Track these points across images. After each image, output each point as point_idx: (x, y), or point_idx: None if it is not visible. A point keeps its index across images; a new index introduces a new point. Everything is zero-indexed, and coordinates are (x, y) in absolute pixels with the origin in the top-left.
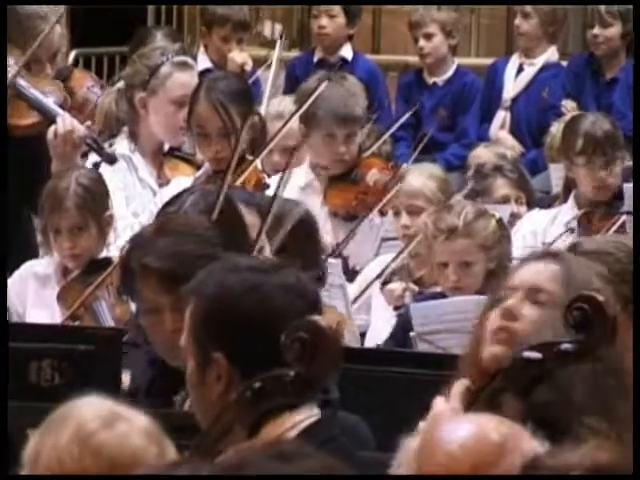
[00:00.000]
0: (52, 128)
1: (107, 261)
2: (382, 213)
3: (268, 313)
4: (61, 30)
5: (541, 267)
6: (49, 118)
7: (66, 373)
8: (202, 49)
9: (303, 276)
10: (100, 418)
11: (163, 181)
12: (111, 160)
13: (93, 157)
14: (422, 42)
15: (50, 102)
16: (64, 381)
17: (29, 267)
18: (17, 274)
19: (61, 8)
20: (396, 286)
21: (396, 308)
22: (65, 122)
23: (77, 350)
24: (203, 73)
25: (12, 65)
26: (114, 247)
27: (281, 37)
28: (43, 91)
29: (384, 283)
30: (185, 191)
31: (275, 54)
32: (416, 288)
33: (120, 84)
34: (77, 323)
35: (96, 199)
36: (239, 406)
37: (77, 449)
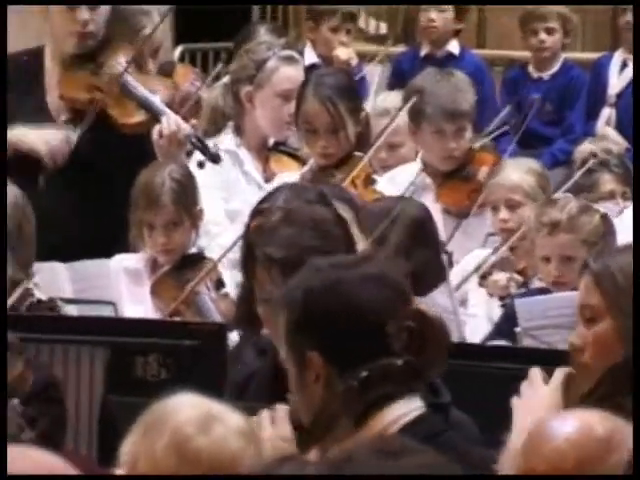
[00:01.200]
0: (157, 127)
1: (198, 256)
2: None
3: (353, 306)
4: (163, 26)
5: None
6: (155, 117)
7: (172, 368)
8: (309, 44)
9: (388, 266)
10: (196, 422)
11: (269, 175)
12: (215, 159)
13: (197, 155)
14: (543, 35)
15: (157, 101)
16: (170, 376)
17: (118, 261)
18: (107, 264)
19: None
20: (500, 276)
21: (501, 298)
22: (170, 121)
23: (182, 345)
24: (309, 69)
25: (122, 63)
26: (213, 245)
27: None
28: (151, 89)
29: (482, 277)
30: (279, 188)
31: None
32: (520, 278)
33: (226, 79)
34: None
35: (189, 194)
36: (346, 396)
37: (175, 457)
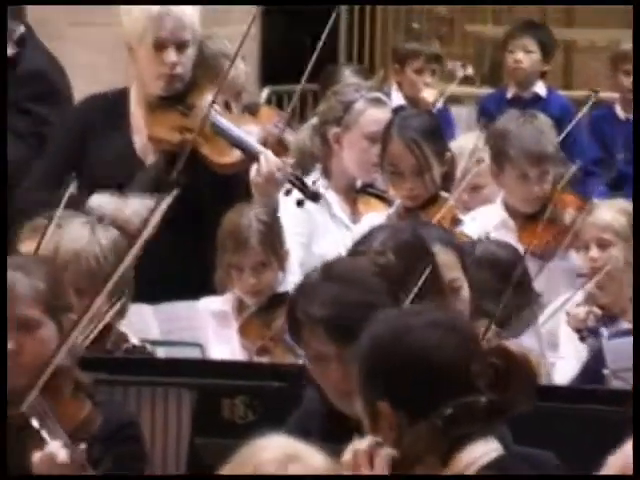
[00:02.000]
0: (255, 166)
1: (285, 296)
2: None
3: (420, 353)
4: (245, 68)
5: None
6: (251, 156)
7: (259, 410)
8: (395, 86)
9: (455, 312)
10: (277, 460)
11: (356, 218)
12: (315, 197)
13: (296, 194)
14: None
15: (252, 140)
16: (257, 418)
17: (205, 304)
18: (194, 306)
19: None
20: (580, 310)
21: (578, 331)
22: (269, 160)
23: (269, 387)
24: (396, 111)
25: (210, 103)
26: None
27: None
28: (244, 129)
29: (567, 314)
30: (374, 229)
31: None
32: (599, 311)
33: (314, 120)
34: (267, 357)
35: (275, 235)
36: (430, 434)
37: None
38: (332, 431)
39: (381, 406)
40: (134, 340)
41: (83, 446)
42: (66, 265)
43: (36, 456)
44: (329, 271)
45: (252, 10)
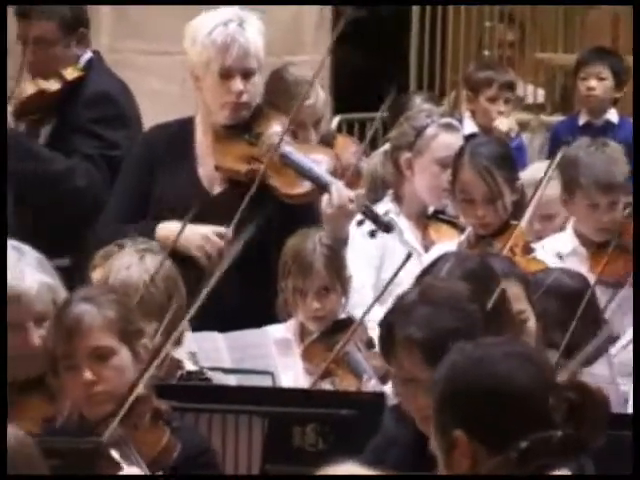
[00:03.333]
0: (326, 198)
1: (348, 322)
2: None
3: (496, 383)
4: (325, 96)
5: None
6: (321, 187)
7: (329, 438)
8: (468, 114)
9: (531, 344)
10: None
11: (427, 244)
12: (387, 228)
13: (368, 225)
14: None
15: (323, 171)
16: (327, 446)
17: (267, 334)
18: (265, 333)
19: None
20: None
21: None
22: (340, 192)
23: (340, 414)
24: (468, 138)
25: (279, 133)
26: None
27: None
28: (314, 159)
29: None
30: (442, 257)
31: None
32: None
33: (386, 146)
34: (331, 380)
35: (339, 259)
36: (505, 467)
37: None
38: (412, 459)
39: (457, 435)
40: (190, 366)
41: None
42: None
43: None
44: (427, 293)
45: (325, 40)
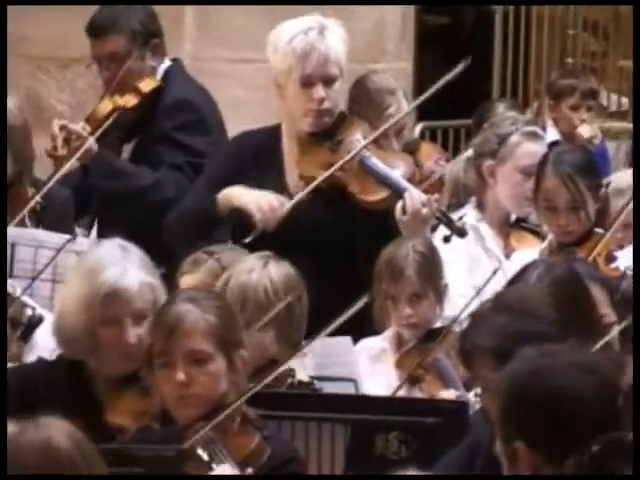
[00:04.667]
0: (400, 204)
1: (443, 331)
2: None
3: (555, 394)
4: (408, 105)
5: None
6: (397, 193)
7: (413, 446)
8: (550, 122)
9: (597, 354)
10: None
11: (510, 252)
12: (461, 233)
13: (442, 230)
14: None
15: (398, 177)
16: (411, 454)
17: (364, 345)
18: (348, 341)
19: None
20: None
21: None
22: (414, 198)
23: (424, 423)
24: (551, 146)
25: (360, 140)
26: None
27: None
28: (392, 165)
29: None
30: (529, 265)
31: None
32: None
33: (469, 152)
34: (419, 386)
35: (433, 267)
36: (579, 471)
37: None
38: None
39: (517, 446)
40: (301, 375)
41: (250, 470)
42: (236, 297)
43: None
44: (500, 301)
45: (408, 47)
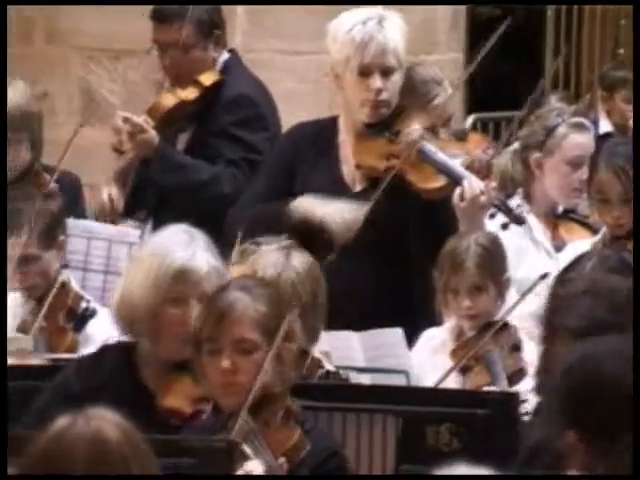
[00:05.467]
0: (458, 191)
1: (503, 324)
2: None
3: (600, 382)
4: (455, 95)
5: None
6: (455, 181)
7: (464, 437)
8: (604, 114)
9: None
10: None
11: (558, 243)
12: (519, 221)
13: (500, 218)
14: None
15: (457, 165)
16: (462, 445)
17: (426, 337)
18: (399, 332)
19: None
20: None
21: None
22: (472, 185)
23: (474, 414)
24: (603, 137)
25: (417, 129)
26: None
27: None
28: (449, 154)
29: None
30: (583, 256)
31: None
32: None
33: (516, 145)
34: (466, 375)
35: (494, 261)
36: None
37: None
38: None
39: (569, 435)
40: (329, 366)
41: (282, 460)
42: None
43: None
44: (594, 286)
45: (459, 38)
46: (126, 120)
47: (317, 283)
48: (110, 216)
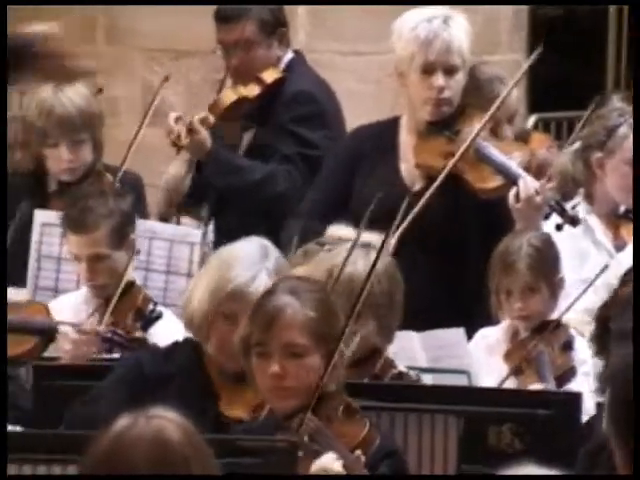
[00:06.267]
0: (513, 191)
1: (557, 323)
2: None
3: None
4: (517, 93)
5: None
6: (511, 181)
7: (525, 438)
8: None
9: None
10: None
11: (619, 243)
12: (574, 222)
13: (555, 218)
14: None
15: (513, 165)
16: (524, 446)
17: (481, 336)
18: (461, 333)
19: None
20: None
21: None
22: (527, 185)
23: (536, 414)
24: None
25: (476, 127)
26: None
27: None
28: (507, 154)
29: None
30: None
31: None
32: None
33: (577, 145)
34: (520, 378)
35: (547, 261)
36: None
37: None
38: None
39: (611, 440)
40: (401, 367)
41: (358, 452)
42: (342, 289)
43: (312, 469)
44: None
45: (521, 39)
46: (178, 119)
47: (394, 283)
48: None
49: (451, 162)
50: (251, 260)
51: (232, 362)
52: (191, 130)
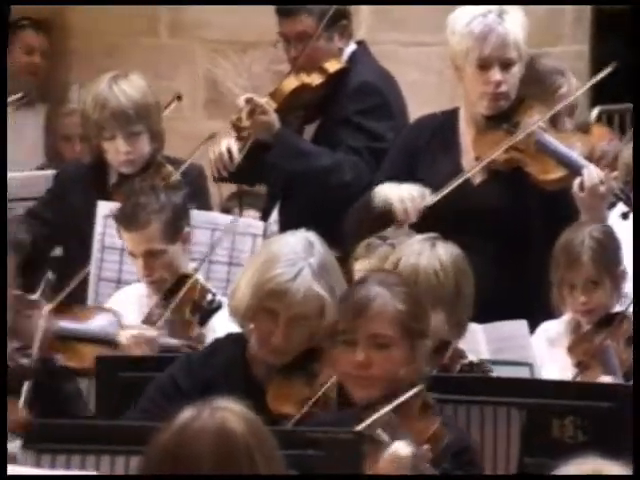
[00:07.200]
0: (577, 181)
1: (618, 316)
2: None
3: None
4: (579, 85)
5: None
6: (574, 171)
7: (589, 430)
8: None
9: None
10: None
11: None
12: None
13: (620, 207)
14: None
15: (576, 155)
16: (587, 439)
17: (543, 329)
18: (523, 325)
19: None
20: None
21: None
22: (592, 174)
23: (599, 407)
24: None
25: (536, 121)
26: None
27: None
28: (568, 145)
29: None
30: None
31: None
32: None
33: None
34: (585, 373)
35: (610, 254)
36: None
37: None
38: None
39: None
40: (471, 357)
41: (426, 446)
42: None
43: (383, 459)
44: None
45: (584, 30)
46: (249, 101)
47: (462, 274)
48: (224, 170)
49: (503, 147)
50: (294, 256)
51: (274, 357)
52: (254, 111)
